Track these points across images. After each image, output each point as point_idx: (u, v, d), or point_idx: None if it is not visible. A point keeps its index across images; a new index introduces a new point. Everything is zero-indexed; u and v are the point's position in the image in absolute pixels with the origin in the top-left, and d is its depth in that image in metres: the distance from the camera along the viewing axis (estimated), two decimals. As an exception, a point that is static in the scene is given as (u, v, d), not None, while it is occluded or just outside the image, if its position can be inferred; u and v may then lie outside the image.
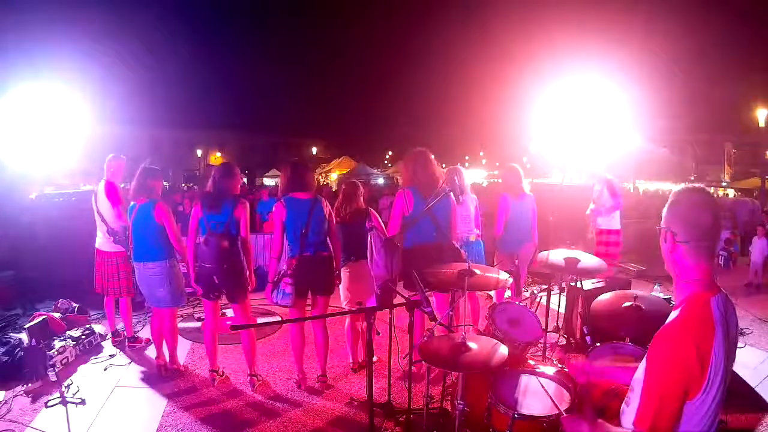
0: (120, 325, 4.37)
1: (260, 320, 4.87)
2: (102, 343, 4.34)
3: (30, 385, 3.47)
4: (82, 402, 3.30)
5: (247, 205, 3.49)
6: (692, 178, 21.36)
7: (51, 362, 3.63)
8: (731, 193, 20.66)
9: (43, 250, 5.86)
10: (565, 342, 3.99)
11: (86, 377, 3.72)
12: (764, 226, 6.68)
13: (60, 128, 4.00)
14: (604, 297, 2.72)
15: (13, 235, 6.31)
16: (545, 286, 4.60)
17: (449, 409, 2.83)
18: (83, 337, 4.17)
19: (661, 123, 20.79)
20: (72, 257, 5.22)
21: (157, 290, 3.63)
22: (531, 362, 2.48)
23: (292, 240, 3.30)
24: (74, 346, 4.03)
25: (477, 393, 2.26)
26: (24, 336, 3.93)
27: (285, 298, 3.26)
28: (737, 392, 3.01)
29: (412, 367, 2.88)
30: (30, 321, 4.15)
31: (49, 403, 3.25)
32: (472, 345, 2.09)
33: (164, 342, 3.78)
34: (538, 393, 2.13)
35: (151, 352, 4.05)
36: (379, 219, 3.77)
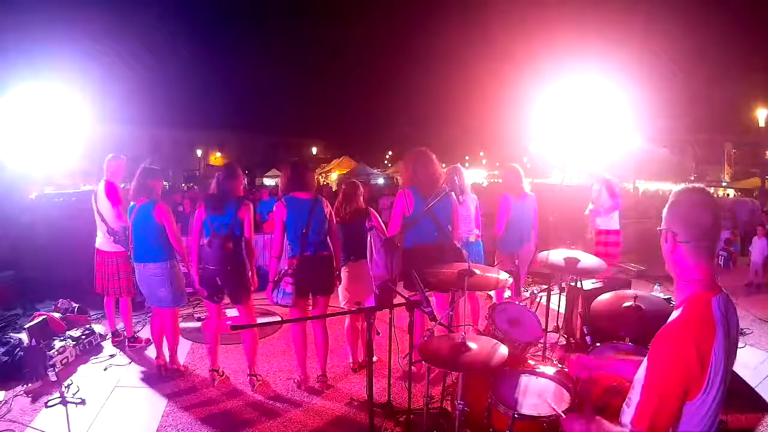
0: (120, 325, 4.37)
1: (260, 320, 4.86)
2: (102, 343, 4.34)
3: (30, 385, 3.47)
4: (82, 402, 3.30)
5: (251, 206, 3.50)
6: (692, 178, 21.35)
7: (51, 362, 3.63)
8: (731, 193, 20.66)
9: (43, 250, 5.85)
10: (565, 342, 3.98)
11: (86, 377, 3.72)
12: (764, 226, 6.68)
13: (60, 128, 4.00)
14: (604, 297, 2.72)
15: (13, 235, 6.32)
16: (545, 286, 4.59)
17: (449, 409, 2.83)
18: (83, 337, 4.17)
19: (661, 123, 20.79)
20: (72, 257, 5.21)
21: (158, 291, 3.63)
22: (531, 362, 2.48)
23: (292, 240, 3.30)
24: (74, 346, 4.03)
25: (477, 393, 2.26)
26: (24, 336, 3.93)
27: (285, 298, 3.26)
28: (737, 392, 3.01)
29: (412, 367, 2.87)
30: (30, 321, 4.15)
31: (49, 403, 3.25)
32: (472, 345, 2.09)
33: (164, 342, 3.78)
34: (538, 393, 2.13)
35: (151, 352, 4.05)
36: (379, 219, 3.77)
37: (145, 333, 4.46)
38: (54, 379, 3.48)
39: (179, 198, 10.68)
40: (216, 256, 3.33)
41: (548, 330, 3.45)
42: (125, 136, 19.51)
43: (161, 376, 3.69)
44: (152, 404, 3.33)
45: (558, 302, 4.62)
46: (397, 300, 2.52)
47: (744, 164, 24.52)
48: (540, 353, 3.26)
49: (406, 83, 68.19)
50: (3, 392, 3.41)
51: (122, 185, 4.34)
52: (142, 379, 3.73)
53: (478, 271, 2.68)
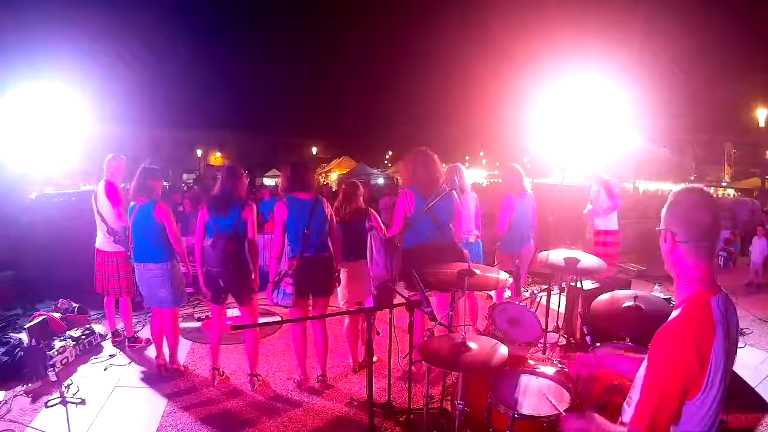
0: (120, 325, 4.37)
1: (260, 320, 4.86)
2: (102, 343, 4.34)
3: (30, 385, 3.47)
4: (82, 402, 3.30)
5: (254, 207, 3.50)
6: (692, 178, 21.39)
7: (51, 362, 3.63)
8: (731, 193, 20.65)
9: (43, 250, 5.85)
10: (565, 342, 3.98)
11: (86, 377, 3.72)
12: (764, 226, 6.68)
13: (60, 128, 3.99)
14: (604, 297, 2.72)
15: (13, 235, 6.32)
16: (545, 286, 4.59)
17: (449, 409, 2.83)
18: (83, 337, 4.17)
19: (661, 123, 20.80)
20: (72, 257, 5.21)
21: (158, 291, 3.63)
22: (531, 362, 2.48)
23: (293, 240, 3.30)
24: (74, 346, 4.03)
25: (477, 393, 2.26)
26: (24, 336, 3.93)
27: (286, 299, 3.26)
28: (737, 392, 3.00)
29: (412, 367, 2.87)
30: (30, 321, 4.15)
31: (49, 403, 3.25)
32: (472, 345, 2.10)
33: (164, 342, 3.78)
34: (538, 393, 2.13)
35: (151, 352, 4.05)
36: (379, 219, 3.77)
37: (145, 333, 4.46)
38: (54, 379, 3.48)
39: (179, 198, 10.66)
40: (219, 258, 3.33)
41: (548, 330, 3.46)
42: (125, 136, 19.49)
43: (161, 376, 3.69)
44: (152, 404, 3.33)
45: (558, 302, 4.62)
46: (397, 300, 2.52)
47: (744, 164, 24.51)
48: (540, 353, 3.26)
49: (406, 83, 68.36)
50: (3, 392, 3.41)
51: (122, 185, 4.34)
52: (142, 379, 3.73)
53: (478, 271, 2.68)
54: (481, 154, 43.41)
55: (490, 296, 5.01)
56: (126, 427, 3.08)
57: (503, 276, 2.82)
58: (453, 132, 40.79)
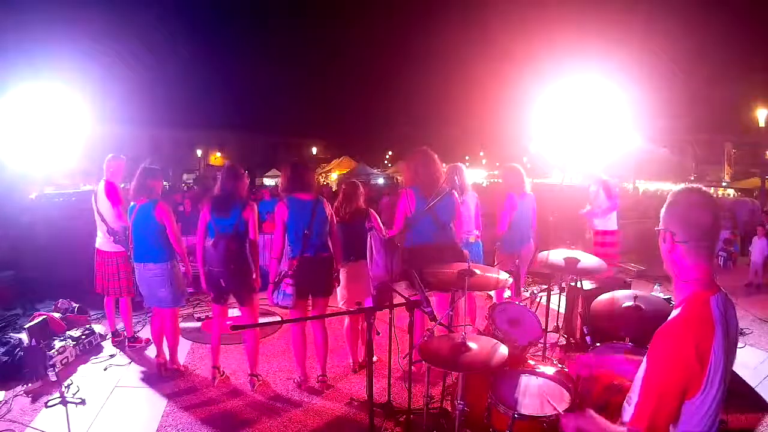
0: (120, 325, 4.37)
1: (260, 320, 4.86)
2: (102, 343, 4.34)
3: (30, 385, 3.48)
4: (82, 402, 3.30)
5: (255, 207, 3.51)
6: (692, 178, 21.38)
7: (51, 362, 3.64)
8: (731, 193, 20.65)
9: (43, 250, 5.86)
10: (565, 342, 3.98)
11: (86, 377, 3.72)
12: (764, 226, 6.68)
13: (60, 128, 3.99)
14: (604, 297, 2.72)
15: (13, 235, 6.32)
16: (545, 286, 4.59)
17: (449, 409, 2.83)
18: (83, 337, 4.17)
19: (661, 123, 20.80)
20: (72, 257, 5.22)
21: (158, 291, 3.64)
22: (531, 362, 2.48)
23: (293, 240, 3.30)
24: (74, 346, 4.03)
25: (477, 393, 2.26)
26: (24, 336, 3.93)
27: (286, 299, 3.26)
28: (737, 392, 3.01)
29: (412, 367, 2.87)
30: (30, 321, 4.15)
31: (49, 403, 3.25)
32: (472, 345, 2.10)
33: (164, 341, 3.78)
34: (538, 393, 2.14)
35: (151, 352, 4.05)
36: (378, 219, 3.77)
37: (145, 333, 4.46)
38: (54, 379, 3.48)
39: (179, 198, 10.66)
40: (221, 258, 3.34)
41: (548, 330, 3.45)
42: (125, 136, 19.51)
43: (161, 376, 3.70)
44: (152, 404, 3.33)
45: (558, 302, 4.62)
46: (397, 300, 2.52)
47: (744, 164, 24.51)
48: (540, 353, 3.26)
49: (406, 83, 68.34)
50: (3, 392, 3.41)
51: (122, 185, 4.34)
52: (142, 379, 3.73)
53: (478, 271, 2.68)
54: (481, 154, 43.43)
55: (490, 296, 5.01)
56: (126, 427, 3.09)
57: (503, 276, 2.82)
58: (453, 132, 40.85)
